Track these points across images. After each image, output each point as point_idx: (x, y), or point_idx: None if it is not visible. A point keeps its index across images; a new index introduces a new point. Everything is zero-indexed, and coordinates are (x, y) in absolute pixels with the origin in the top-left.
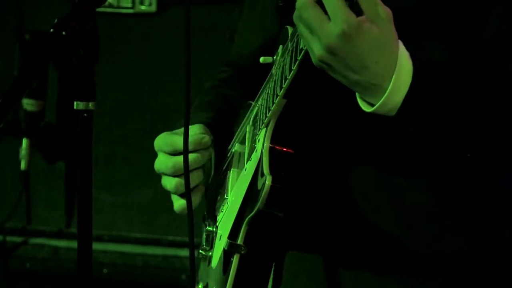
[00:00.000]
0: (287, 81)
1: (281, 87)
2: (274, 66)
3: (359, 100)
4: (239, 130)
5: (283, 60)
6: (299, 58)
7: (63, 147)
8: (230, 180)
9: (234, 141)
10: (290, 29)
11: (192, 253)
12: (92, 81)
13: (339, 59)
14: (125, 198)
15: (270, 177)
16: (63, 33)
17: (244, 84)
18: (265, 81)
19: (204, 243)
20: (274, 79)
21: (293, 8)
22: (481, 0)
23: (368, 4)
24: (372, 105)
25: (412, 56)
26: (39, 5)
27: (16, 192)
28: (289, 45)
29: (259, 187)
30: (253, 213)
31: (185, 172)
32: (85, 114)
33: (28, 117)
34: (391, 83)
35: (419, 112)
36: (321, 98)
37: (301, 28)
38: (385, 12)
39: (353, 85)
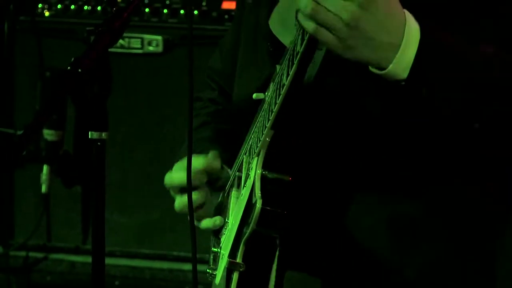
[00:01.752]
0: (273, 113)
1: (268, 119)
2: (264, 102)
3: (371, 69)
4: (237, 158)
5: (270, 95)
6: (282, 92)
7: (79, 173)
8: (231, 205)
9: (234, 169)
10: (278, 67)
11: (194, 267)
12: (105, 114)
13: (367, 19)
14: (134, 219)
15: (261, 200)
16: (79, 70)
17: (236, 120)
18: (257, 115)
19: (211, 263)
20: (263, 113)
21: (282, 52)
22: None
23: None
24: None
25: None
26: (58, 46)
27: (38, 213)
28: (275, 81)
29: (252, 210)
30: (248, 233)
31: (188, 185)
32: (98, 143)
33: (48, 146)
34: (403, 38)
35: (430, 67)
36: (311, 128)
37: (318, 16)
38: None
39: (375, 49)
